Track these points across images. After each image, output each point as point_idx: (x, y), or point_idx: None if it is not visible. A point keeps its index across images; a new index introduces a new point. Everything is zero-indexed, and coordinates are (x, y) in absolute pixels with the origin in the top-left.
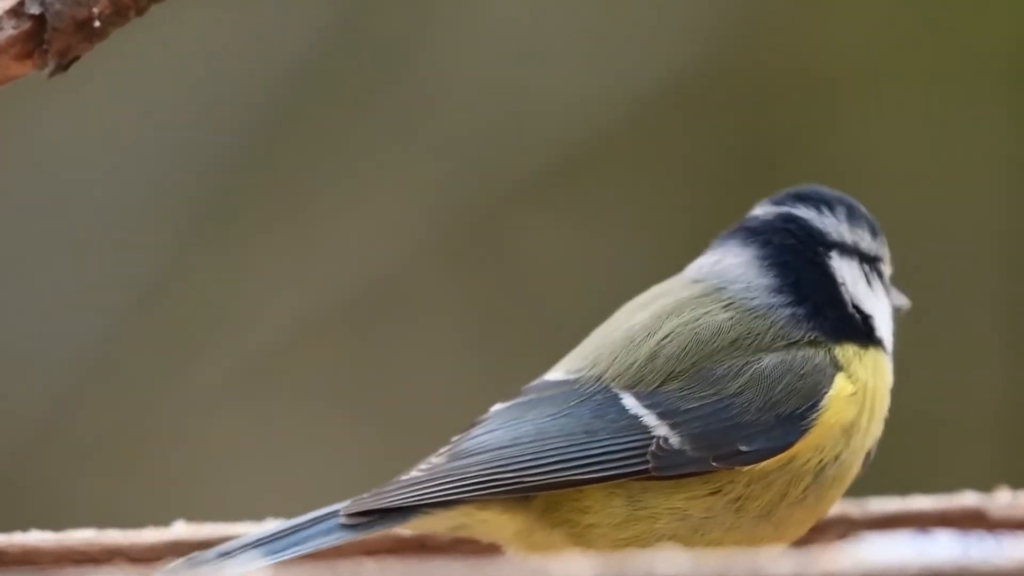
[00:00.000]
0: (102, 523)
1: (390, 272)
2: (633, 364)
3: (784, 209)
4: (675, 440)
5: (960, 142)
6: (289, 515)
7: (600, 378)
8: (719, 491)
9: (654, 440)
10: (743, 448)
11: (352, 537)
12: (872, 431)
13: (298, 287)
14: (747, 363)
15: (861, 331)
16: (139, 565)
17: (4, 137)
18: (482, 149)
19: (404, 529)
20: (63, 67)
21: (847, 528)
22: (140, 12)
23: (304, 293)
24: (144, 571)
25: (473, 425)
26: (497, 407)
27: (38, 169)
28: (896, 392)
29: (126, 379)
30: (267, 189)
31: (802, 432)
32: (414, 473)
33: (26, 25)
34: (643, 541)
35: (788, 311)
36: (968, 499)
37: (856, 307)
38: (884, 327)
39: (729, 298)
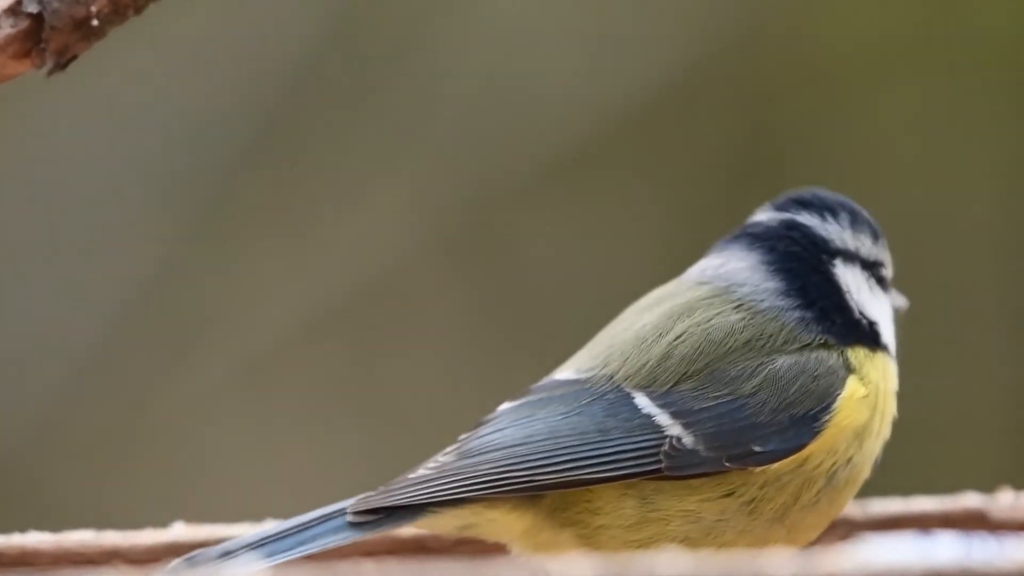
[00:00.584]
0: (100, 524)
1: (389, 271)
2: (646, 364)
3: (787, 216)
4: (688, 440)
5: (962, 140)
6: (288, 516)
7: (612, 377)
8: (733, 493)
9: (667, 439)
10: (757, 448)
11: (360, 536)
12: (883, 434)
13: (297, 286)
14: (761, 364)
15: (868, 336)
16: (137, 566)
17: (2, 137)
18: (481, 148)
19: (409, 528)
20: (61, 66)
21: (849, 529)
22: (138, 11)
23: (303, 292)
24: (143, 572)
25: (480, 424)
26: (505, 406)
27: (36, 169)
28: (898, 392)
29: (124, 380)
30: (266, 188)
31: (815, 433)
32: (422, 471)
33: (24, 24)
34: (654, 543)
35: (797, 314)
36: (970, 500)
37: (862, 313)
38: (888, 332)
39: (739, 300)
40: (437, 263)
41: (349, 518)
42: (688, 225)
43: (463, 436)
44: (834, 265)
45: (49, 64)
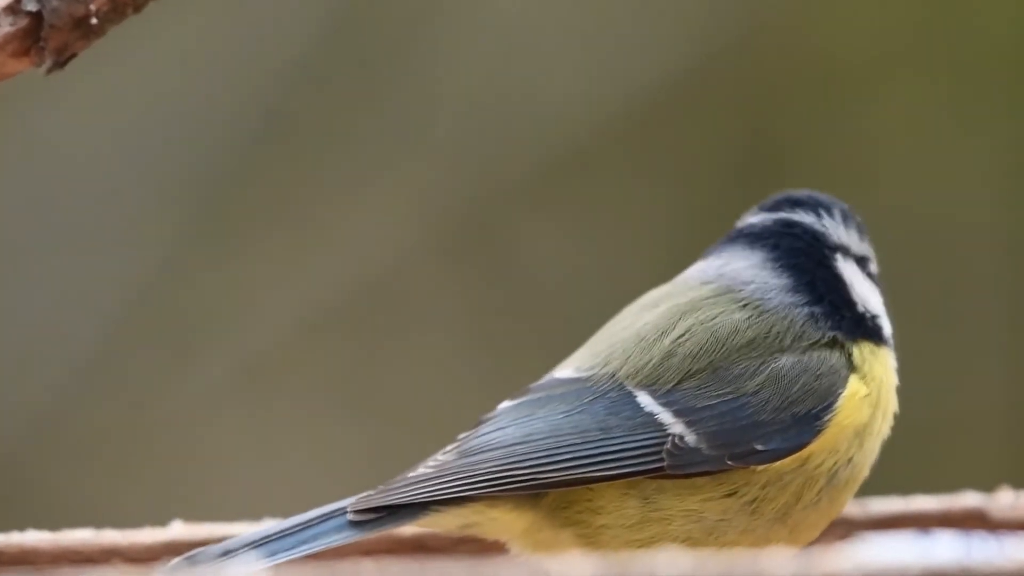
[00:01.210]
0: (100, 523)
1: (389, 271)
2: (648, 363)
3: (782, 215)
4: (691, 438)
5: (962, 139)
6: (287, 515)
7: (614, 376)
8: (735, 493)
9: (669, 438)
10: (759, 447)
11: (361, 535)
12: (884, 432)
13: (297, 286)
14: (764, 362)
15: (872, 331)
16: (137, 565)
17: (1, 135)
18: (482, 147)
19: (408, 528)
20: (60, 64)
21: (848, 528)
22: (137, 9)
23: (303, 292)
24: (142, 571)
25: (481, 423)
26: (505, 404)
27: (35, 168)
28: (898, 391)
29: (124, 379)
30: (266, 188)
31: (816, 432)
32: (422, 470)
33: (23, 22)
34: (656, 543)
35: (807, 310)
36: (970, 499)
37: (865, 307)
38: (887, 326)
39: (744, 298)
40: (437, 262)
41: (349, 517)
42: (688, 225)
43: (463, 435)
44: (836, 260)
45: (48, 62)
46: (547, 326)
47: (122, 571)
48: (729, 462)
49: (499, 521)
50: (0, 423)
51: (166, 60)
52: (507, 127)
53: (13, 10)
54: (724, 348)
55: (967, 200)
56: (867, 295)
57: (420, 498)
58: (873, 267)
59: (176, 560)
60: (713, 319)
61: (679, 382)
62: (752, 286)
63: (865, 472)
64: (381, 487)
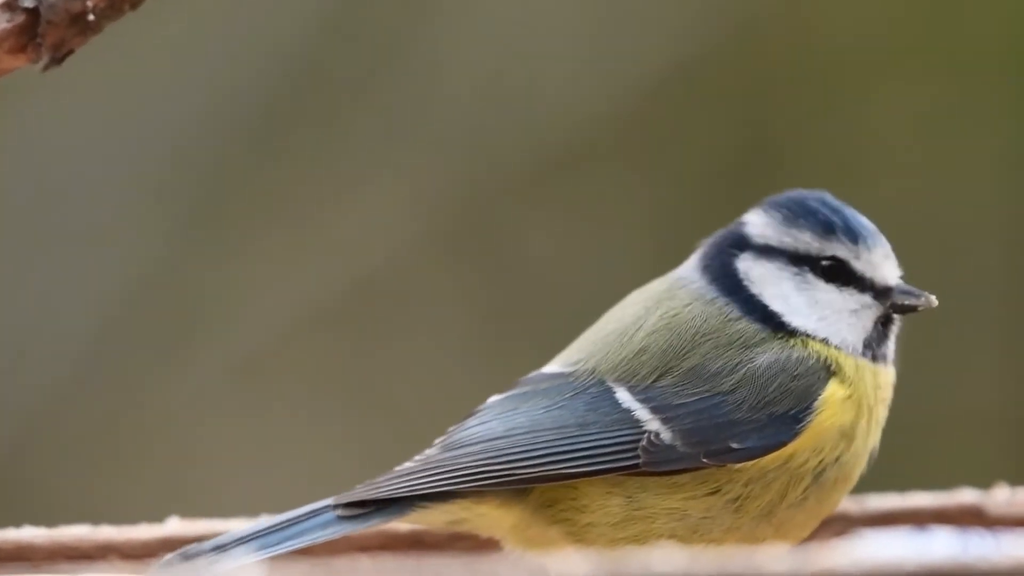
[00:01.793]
0: (96, 519)
1: (385, 266)
2: (625, 358)
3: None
4: (666, 435)
5: (959, 135)
6: (284, 510)
7: (594, 371)
8: (718, 491)
9: (645, 435)
10: (734, 445)
11: (348, 530)
12: (874, 434)
13: (293, 283)
14: (740, 361)
15: (776, 324)
16: (133, 561)
17: None
18: (478, 143)
19: (402, 523)
20: (57, 61)
21: (845, 525)
22: (134, 6)
23: (299, 288)
24: (138, 567)
25: (469, 416)
26: (493, 398)
27: (31, 163)
28: (895, 389)
29: (120, 375)
30: (262, 183)
31: (795, 433)
32: (408, 464)
33: (20, 19)
34: (641, 541)
35: (727, 306)
36: (966, 496)
37: (758, 300)
38: (806, 322)
39: (688, 293)
40: (433, 259)
41: (337, 512)
42: (684, 221)
43: (452, 428)
44: (740, 258)
45: (45, 59)
46: (543, 322)
47: (118, 567)
48: (704, 460)
49: (487, 517)
50: None
51: (162, 56)
52: (504, 124)
53: (10, 6)
54: (684, 342)
55: (964, 196)
56: (776, 295)
57: (403, 492)
58: (839, 265)
59: (169, 556)
60: (669, 313)
61: (656, 378)
62: (686, 278)
63: (858, 471)
64: (368, 481)
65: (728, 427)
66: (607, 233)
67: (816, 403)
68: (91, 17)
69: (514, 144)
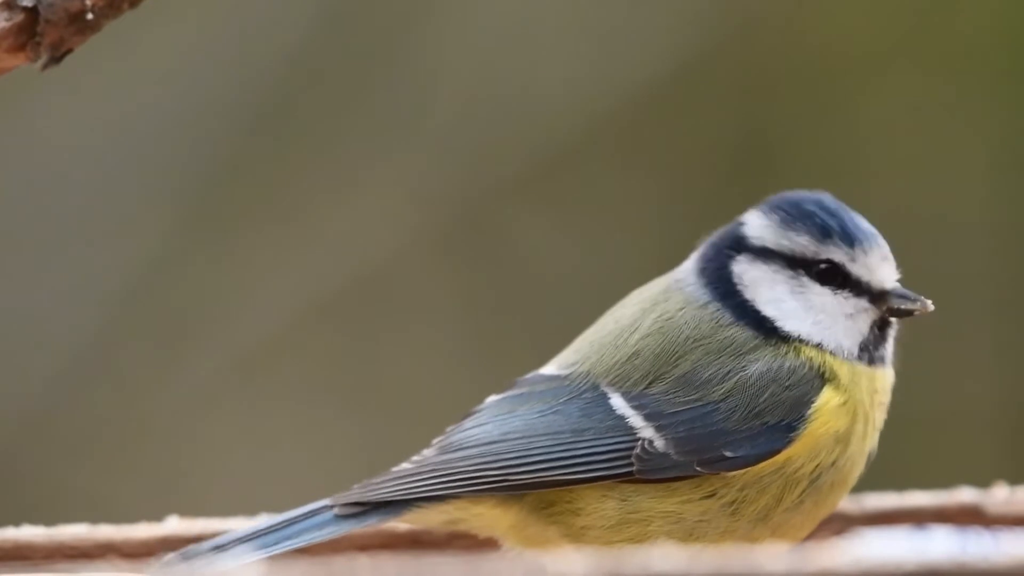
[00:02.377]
0: (94, 518)
1: (383, 265)
2: (618, 361)
3: (742, 215)
4: (660, 443)
5: (956, 135)
6: (283, 509)
7: (589, 375)
8: (713, 495)
9: (639, 442)
10: (728, 454)
11: (345, 530)
12: (871, 437)
13: (292, 280)
14: (732, 369)
15: (768, 329)
16: (132, 560)
17: None
18: (476, 141)
19: (400, 523)
20: (56, 60)
21: (844, 524)
22: (133, 5)
23: (298, 286)
24: (137, 566)
25: (467, 416)
26: (491, 399)
27: (28, 162)
28: (893, 388)
29: (119, 373)
30: (260, 181)
31: (788, 442)
32: (405, 465)
33: (19, 17)
34: (638, 543)
35: (720, 311)
36: (965, 495)
37: (751, 304)
38: (800, 326)
39: (683, 295)
40: (431, 256)
41: (335, 511)
42: (683, 220)
43: (450, 428)
44: (736, 261)
45: (44, 58)
46: (541, 320)
47: (117, 566)
48: (698, 468)
49: (484, 518)
50: None
51: (161, 55)
52: (501, 121)
53: (9, 5)
54: (673, 345)
55: (960, 196)
56: (770, 299)
57: (398, 495)
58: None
59: (168, 556)
60: (660, 316)
61: (648, 384)
62: (682, 280)
63: (855, 474)
64: (365, 481)
65: (721, 435)
66: (605, 232)
67: (809, 412)
68: (90, 16)
69: (511, 142)
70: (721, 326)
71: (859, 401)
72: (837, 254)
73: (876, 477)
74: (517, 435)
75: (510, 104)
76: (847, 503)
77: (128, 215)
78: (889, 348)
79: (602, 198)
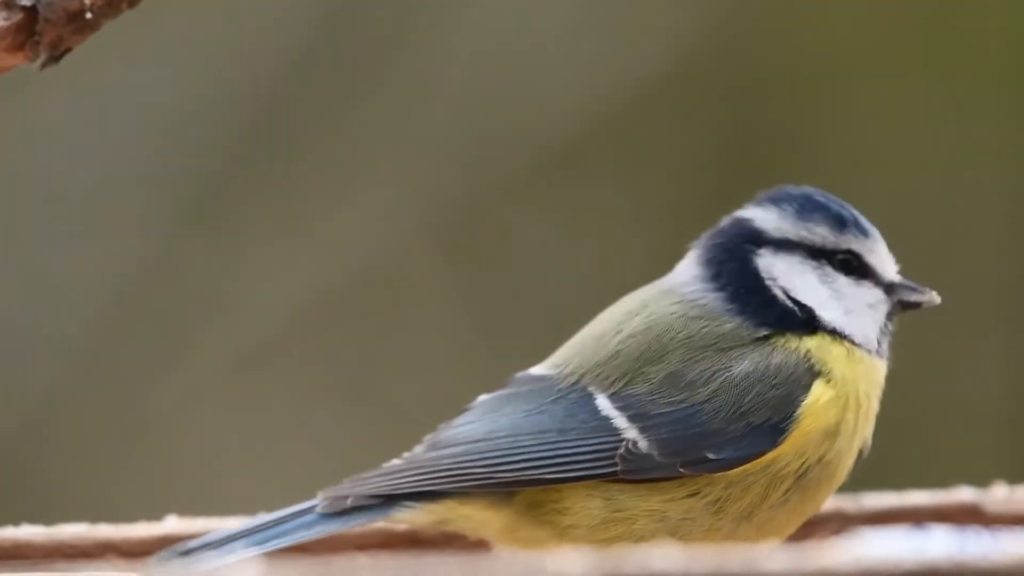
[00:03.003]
0: (93, 517)
1: (382, 264)
2: (603, 362)
3: (738, 212)
4: (644, 444)
5: (955, 135)
6: (282, 508)
7: (575, 375)
8: (697, 493)
9: (623, 443)
10: (711, 456)
11: (333, 528)
12: (861, 429)
13: (290, 279)
14: (718, 370)
15: (800, 320)
16: (131, 559)
17: None
18: (473, 142)
19: (391, 523)
20: (55, 59)
21: (842, 523)
22: (132, 4)
23: (296, 285)
24: (136, 565)
25: (460, 413)
26: (482, 397)
27: (29, 160)
28: (892, 387)
29: (117, 372)
30: (259, 180)
31: (774, 443)
32: (394, 462)
33: (18, 16)
34: (622, 542)
35: (727, 306)
36: (964, 494)
37: (790, 297)
38: (834, 315)
39: (678, 295)
40: (430, 256)
41: (320, 508)
42: (681, 218)
43: (441, 426)
44: (759, 255)
45: (43, 57)
46: (539, 319)
47: (116, 566)
48: (681, 470)
49: (474, 519)
50: None
51: (159, 53)
52: (499, 121)
53: (7, 5)
54: (661, 343)
55: (962, 191)
56: (804, 286)
57: (385, 490)
58: (855, 259)
59: (161, 553)
60: (649, 316)
61: (631, 383)
62: (678, 280)
63: (844, 469)
64: (354, 476)
65: (705, 437)
66: (603, 231)
67: (797, 412)
68: (89, 15)
69: (510, 142)
70: (709, 322)
71: (853, 393)
72: (855, 244)
73: (875, 476)
74: (503, 434)
75: (510, 104)
76: (846, 502)
77: (127, 216)
78: (888, 340)
79: (602, 198)
